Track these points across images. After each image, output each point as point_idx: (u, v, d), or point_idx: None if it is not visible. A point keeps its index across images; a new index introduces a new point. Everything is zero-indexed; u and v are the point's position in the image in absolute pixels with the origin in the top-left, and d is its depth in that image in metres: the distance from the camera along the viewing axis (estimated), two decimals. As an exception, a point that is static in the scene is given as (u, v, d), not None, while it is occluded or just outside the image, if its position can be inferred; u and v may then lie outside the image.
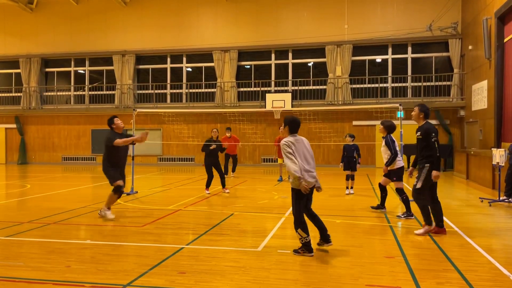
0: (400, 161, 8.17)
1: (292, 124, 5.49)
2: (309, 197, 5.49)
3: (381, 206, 8.58)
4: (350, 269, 4.81)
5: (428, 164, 6.36)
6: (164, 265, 4.98)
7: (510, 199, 9.18)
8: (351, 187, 11.07)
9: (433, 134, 6.36)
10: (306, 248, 5.32)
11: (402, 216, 7.81)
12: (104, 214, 7.78)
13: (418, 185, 6.44)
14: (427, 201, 6.48)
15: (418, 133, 6.54)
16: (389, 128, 8.28)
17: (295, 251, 5.40)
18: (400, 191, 7.98)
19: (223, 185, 11.21)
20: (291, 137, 5.45)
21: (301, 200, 5.37)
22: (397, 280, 4.45)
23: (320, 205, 9.07)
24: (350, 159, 10.73)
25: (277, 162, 14.97)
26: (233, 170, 15.77)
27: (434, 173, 6.31)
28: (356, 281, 4.41)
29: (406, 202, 7.82)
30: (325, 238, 5.51)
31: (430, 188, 6.48)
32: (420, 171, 6.49)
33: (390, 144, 8.06)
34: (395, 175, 8.11)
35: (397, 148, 8.12)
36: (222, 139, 14.37)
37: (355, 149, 10.74)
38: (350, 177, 10.99)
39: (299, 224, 5.33)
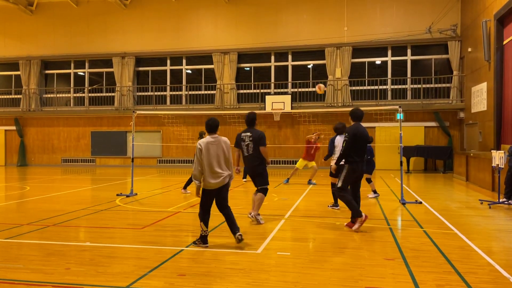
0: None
1: (207, 125, 6.00)
2: (218, 197, 5.92)
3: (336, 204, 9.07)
4: (350, 271, 4.81)
5: (347, 164, 6.84)
6: (164, 267, 4.97)
7: (509, 201, 9.17)
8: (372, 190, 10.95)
9: (346, 134, 6.87)
10: (202, 240, 5.87)
11: (329, 206, 8.99)
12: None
13: (339, 184, 6.96)
14: (351, 196, 6.97)
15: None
16: (337, 130, 8.93)
17: (194, 242, 5.94)
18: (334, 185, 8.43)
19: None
20: (209, 138, 5.91)
21: (205, 198, 5.87)
22: (397, 282, 4.44)
23: (320, 207, 9.06)
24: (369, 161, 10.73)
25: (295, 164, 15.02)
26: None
27: (333, 166, 7.16)
28: (356, 284, 4.40)
29: (334, 194, 8.75)
30: (233, 231, 5.95)
31: (352, 185, 7.11)
32: (340, 171, 6.98)
33: (329, 144, 9.02)
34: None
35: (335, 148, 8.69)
36: None
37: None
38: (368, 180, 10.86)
39: (201, 219, 5.88)
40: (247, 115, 7.46)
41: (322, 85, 11.79)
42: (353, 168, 6.86)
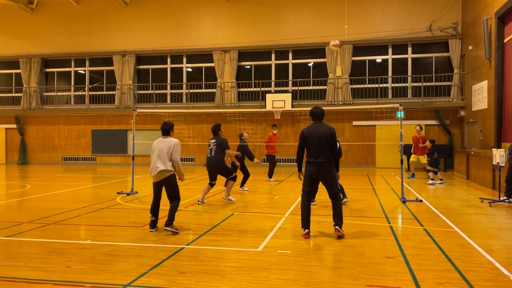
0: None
1: (161, 128, 6.91)
2: (165, 188, 6.80)
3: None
4: (350, 269, 4.81)
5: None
6: (164, 265, 4.98)
7: (510, 200, 9.16)
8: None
9: (301, 134, 6.57)
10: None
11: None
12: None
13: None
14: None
15: None
16: None
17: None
18: None
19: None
20: (160, 138, 6.85)
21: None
22: (398, 280, 4.45)
23: (320, 205, 9.06)
24: None
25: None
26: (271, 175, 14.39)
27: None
28: (356, 281, 4.41)
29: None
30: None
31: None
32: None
33: None
34: None
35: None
36: (269, 136, 14.62)
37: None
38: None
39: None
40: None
41: (336, 42, 11.42)
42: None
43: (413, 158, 14.85)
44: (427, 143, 13.41)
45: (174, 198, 6.79)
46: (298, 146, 6.48)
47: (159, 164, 6.58)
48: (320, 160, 6.28)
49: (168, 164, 6.60)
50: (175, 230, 6.57)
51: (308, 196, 6.44)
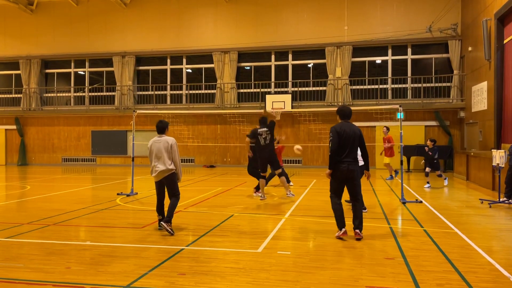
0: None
1: (156, 127, 6.93)
2: (165, 187, 6.89)
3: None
4: (350, 270, 4.81)
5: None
6: (164, 266, 4.98)
7: (510, 201, 9.16)
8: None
9: (330, 133, 6.44)
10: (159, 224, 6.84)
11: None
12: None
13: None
14: (336, 204, 6.50)
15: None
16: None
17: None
18: None
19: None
20: (155, 138, 6.86)
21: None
22: (398, 281, 4.45)
23: (320, 206, 9.06)
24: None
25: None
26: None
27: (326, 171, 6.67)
28: (356, 282, 4.41)
29: None
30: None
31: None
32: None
33: None
34: None
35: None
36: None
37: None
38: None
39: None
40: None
41: (299, 147, 11.99)
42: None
43: (386, 160, 14.95)
44: (428, 143, 13.34)
45: (173, 194, 6.85)
46: (333, 143, 6.23)
47: (160, 164, 6.66)
48: (349, 160, 6.26)
49: (168, 163, 6.67)
50: (171, 231, 6.53)
51: (338, 196, 6.43)
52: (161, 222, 6.68)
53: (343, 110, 6.55)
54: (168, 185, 6.82)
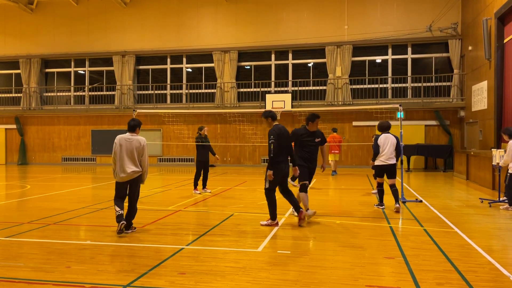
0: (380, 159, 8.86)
1: (128, 124, 6.79)
2: (128, 188, 6.65)
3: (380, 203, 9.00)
4: (350, 269, 4.81)
5: (271, 166, 6.81)
6: (164, 265, 4.98)
7: (509, 208, 8.88)
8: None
9: (271, 136, 6.76)
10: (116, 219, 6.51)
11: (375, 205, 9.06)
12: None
13: (266, 185, 6.96)
14: (275, 198, 7.05)
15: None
16: (379, 128, 9.12)
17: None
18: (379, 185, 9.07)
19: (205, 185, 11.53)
20: (126, 135, 6.67)
21: (116, 189, 6.68)
22: (397, 280, 4.45)
23: (320, 206, 9.06)
24: None
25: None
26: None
27: (268, 172, 6.83)
28: (356, 282, 4.41)
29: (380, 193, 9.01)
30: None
31: (280, 184, 7.08)
32: (265, 173, 6.93)
33: (375, 142, 9.01)
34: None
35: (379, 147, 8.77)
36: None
37: None
38: None
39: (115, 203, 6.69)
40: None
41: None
42: (278, 168, 6.86)
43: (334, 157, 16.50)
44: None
45: (136, 199, 6.73)
46: (271, 147, 6.79)
47: (131, 165, 6.47)
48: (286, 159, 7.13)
49: (138, 164, 6.54)
50: (134, 229, 6.75)
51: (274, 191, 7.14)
52: (126, 231, 6.60)
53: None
54: (134, 186, 6.60)
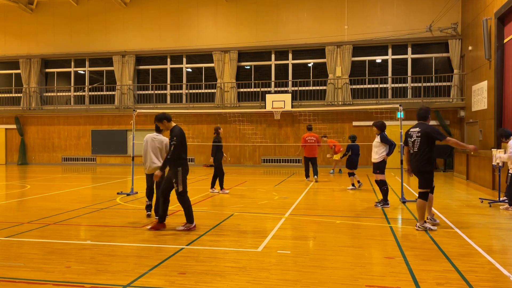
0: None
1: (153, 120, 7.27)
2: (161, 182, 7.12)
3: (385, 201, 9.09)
4: (350, 269, 4.81)
5: (180, 167, 6.70)
6: (164, 265, 4.98)
7: (509, 208, 8.88)
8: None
9: (175, 138, 6.67)
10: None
11: (379, 205, 8.93)
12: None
13: (180, 188, 6.74)
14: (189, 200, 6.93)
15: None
16: (382, 127, 9.39)
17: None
18: (381, 183, 9.12)
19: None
20: (150, 134, 7.74)
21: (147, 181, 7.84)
22: (397, 280, 4.44)
23: (320, 205, 9.06)
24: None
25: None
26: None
27: (178, 170, 6.73)
28: (356, 282, 4.40)
29: (385, 192, 9.00)
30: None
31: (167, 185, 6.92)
32: (176, 175, 6.74)
33: (386, 138, 9.23)
34: (378, 168, 9.25)
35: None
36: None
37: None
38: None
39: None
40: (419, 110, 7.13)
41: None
42: (186, 169, 6.81)
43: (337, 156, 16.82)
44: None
45: (164, 189, 7.04)
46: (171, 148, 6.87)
47: (155, 159, 7.59)
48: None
49: (161, 160, 7.54)
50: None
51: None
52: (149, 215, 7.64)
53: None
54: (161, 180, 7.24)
